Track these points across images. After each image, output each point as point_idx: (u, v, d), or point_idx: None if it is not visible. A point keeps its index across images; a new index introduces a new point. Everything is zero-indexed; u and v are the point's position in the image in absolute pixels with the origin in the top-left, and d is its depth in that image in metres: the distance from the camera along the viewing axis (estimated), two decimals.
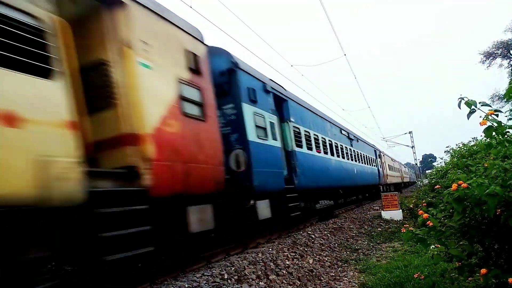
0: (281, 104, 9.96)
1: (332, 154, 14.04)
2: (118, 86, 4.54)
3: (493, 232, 3.06)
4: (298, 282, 5.57)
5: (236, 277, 5.05)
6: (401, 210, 13.00)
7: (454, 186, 2.88)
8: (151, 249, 4.30)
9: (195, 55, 5.91)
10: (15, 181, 3.02)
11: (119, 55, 4.55)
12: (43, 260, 3.47)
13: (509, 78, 35.64)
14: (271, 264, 5.94)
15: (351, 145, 18.13)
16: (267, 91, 8.89)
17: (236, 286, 4.79)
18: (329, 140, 13.96)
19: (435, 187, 7.54)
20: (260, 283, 5.09)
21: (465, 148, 9.25)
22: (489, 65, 38.47)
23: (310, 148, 11.28)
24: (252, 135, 7.55)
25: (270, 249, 6.86)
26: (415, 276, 4.43)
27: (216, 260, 6.40)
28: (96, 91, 4.63)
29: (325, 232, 9.66)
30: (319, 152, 12.21)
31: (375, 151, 26.87)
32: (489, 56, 38.09)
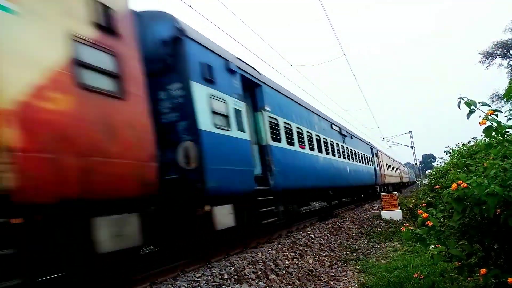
0: (253, 89, 8.43)
1: (320, 151, 12.39)
2: None
3: (493, 232, 3.06)
4: (297, 282, 5.57)
5: (235, 277, 5.05)
6: (400, 210, 13.01)
7: (453, 186, 2.88)
8: (16, 282, 3.16)
9: (107, 8, 4.40)
10: None
11: None
12: None
13: (509, 78, 35.67)
14: (271, 264, 5.94)
15: (344, 142, 16.50)
16: (231, 71, 7.22)
17: (236, 286, 4.79)
18: (316, 135, 12.28)
19: (435, 187, 7.54)
20: (260, 283, 5.09)
21: (464, 148, 9.26)
22: (489, 65, 38.55)
23: (291, 143, 9.75)
24: (205, 123, 5.99)
25: (270, 249, 6.86)
26: (415, 275, 4.43)
27: (216, 260, 6.40)
28: None
29: (325, 232, 9.66)
30: (303, 148, 10.61)
31: (371, 149, 25.10)
32: (489, 56, 38.15)
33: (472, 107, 2.77)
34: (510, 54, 37.60)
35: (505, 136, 2.83)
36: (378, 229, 11.21)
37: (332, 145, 14.19)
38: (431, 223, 3.20)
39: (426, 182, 18.41)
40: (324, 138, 13.24)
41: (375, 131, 53.74)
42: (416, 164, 55.65)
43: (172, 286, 4.62)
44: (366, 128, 39.05)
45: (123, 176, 4.31)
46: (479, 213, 2.89)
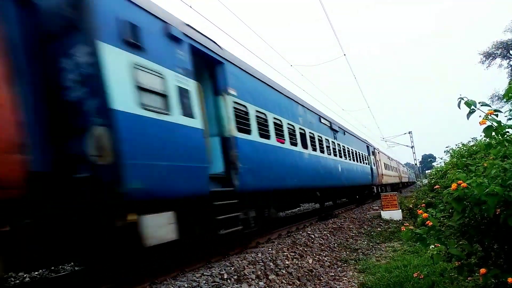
0: (213, 67, 6.85)
1: (305, 147, 10.74)
2: None
3: (493, 232, 3.06)
4: (297, 282, 5.57)
5: (235, 277, 5.06)
6: (400, 210, 13.02)
7: (453, 186, 2.88)
8: None
9: None
10: None
11: None
12: None
13: (509, 78, 35.72)
14: (271, 264, 5.94)
15: (335, 138, 14.90)
16: (174, 38, 5.60)
17: (236, 286, 4.79)
18: (300, 129, 10.65)
19: (435, 187, 7.56)
20: (260, 283, 5.09)
21: (464, 148, 9.27)
22: (489, 65, 38.64)
23: (266, 136, 8.12)
24: (124, 102, 4.42)
25: (270, 249, 6.86)
26: (415, 275, 4.43)
27: (216, 260, 6.40)
28: None
29: (325, 232, 9.66)
30: (283, 143, 9.10)
31: (367, 146, 23.28)
32: (489, 56, 38.22)
33: (472, 107, 2.77)
34: (510, 54, 37.64)
35: (505, 136, 2.83)
36: (378, 229, 11.21)
37: (320, 140, 12.56)
38: (431, 223, 3.20)
39: (426, 182, 18.42)
40: (310, 133, 11.54)
41: (375, 131, 53.95)
42: (416, 164, 55.66)
43: (172, 286, 4.62)
44: (366, 128, 39.13)
45: None
46: (479, 213, 2.89)
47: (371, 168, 22.63)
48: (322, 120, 13.67)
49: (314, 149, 11.64)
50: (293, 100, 10.83)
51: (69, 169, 4.21)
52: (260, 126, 7.97)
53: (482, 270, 2.91)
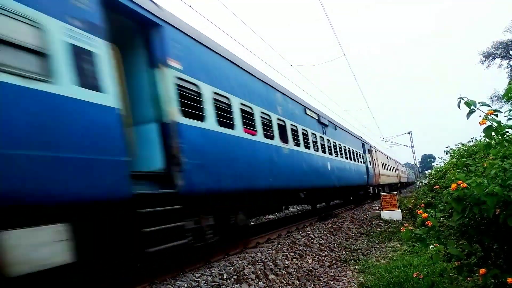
0: (147, 32, 5.35)
1: (285, 141, 9.27)
2: None
3: (492, 232, 3.07)
4: (297, 282, 5.57)
5: (235, 277, 5.06)
6: (400, 210, 13.02)
7: (453, 186, 2.89)
8: None
9: None
10: None
11: None
12: None
13: (508, 78, 35.76)
14: (271, 264, 5.94)
15: (324, 132, 13.36)
16: None
17: (235, 286, 4.79)
18: (279, 120, 9.18)
19: (434, 187, 7.56)
20: (260, 283, 5.09)
21: (464, 148, 9.27)
22: (489, 65, 38.71)
23: (228, 125, 6.60)
24: None
25: (270, 249, 6.86)
26: (414, 275, 4.43)
27: (216, 260, 6.41)
28: None
29: (325, 232, 9.66)
30: (254, 135, 7.59)
31: (363, 144, 21.78)
32: (489, 56, 38.29)
33: (472, 107, 2.77)
34: (510, 54, 37.69)
35: (505, 136, 2.83)
36: (378, 229, 11.22)
37: (305, 134, 10.99)
38: (430, 223, 3.20)
39: (426, 182, 18.42)
40: (292, 125, 10.05)
41: (375, 131, 53.96)
42: (415, 164, 55.70)
43: (172, 286, 4.62)
44: (366, 128, 39.15)
45: None
46: (479, 213, 2.89)
47: (367, 167, 21.11)
48: (308, 112, 11.96)
49: (297, 144, 10.08)
50: (270, 86, 9.17)
51: None
52: (219, 112, 6.35)
53: (482, 270, 2.91)
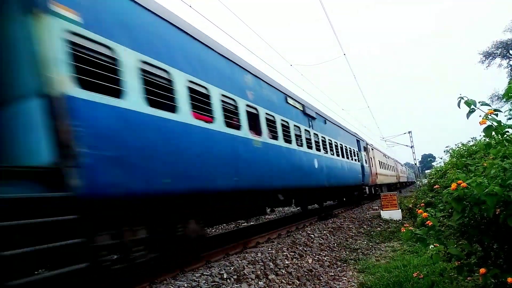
0: None
1: (258, 133, 7.80)
2: None
3: (492, 232, 3.06)
4: (297, 281, 5.57)
5: (235, 277, 5.06)
6: (400, 210, 13.03)
7: (453, 185, 2.88)
8: None
9: None
10: None
11: None
12: None
13: (508, 78, 35.78)
14: (270, 263, 5.94)
15: (310, 126, 11.73)
16: None
17: (235, 285, 4.79)
18: (249, 107, 7.60)
19: (434, 187, 7.56)
20: (259, 282, 5.09)
21: (464, 148, 9.27)
22: (488, 65, 38.73)
23: (163, 106, 5.07)
24: None
25: (270, 249, 6.86)
26: (414, 275, 4.43)
27: (216, 260, 6.41)
28: None
29: (325, 231, 9.66)
30: (209, 122, 6.04)
31: (357, 141, 20.13)
32: (489, 56, 38.32)
33: (472, 106, 2.77)
34: (509, 54, 37.70)
35: (505, 136, 2.83)
36: (378, 229, 11.22)
37: (286, 126, 9.48)
38: (430, 223, 3.20)
39: (426, 182, 18.42)
40: (269, 114, 8.53)
41: (375, 131, 53.96)
42: (415, 164, 55.72)
43: (172, 285, 4.62)
44: (366, 128, 39.13)
45: None
46: (479, 213, 2.89)
47: (362, 166, 19.56)
48: (291, 101, 10.36)
49: (274, 137, 8.62)
50: (237, 65, 7.48)
51: None
52: (150, 88, 4.84)
53: (482, 270, 2.91)
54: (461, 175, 3.07)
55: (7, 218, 2.89)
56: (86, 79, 3.93)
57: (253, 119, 7.80)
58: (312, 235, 8.82)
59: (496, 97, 36.59)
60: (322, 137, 12.84)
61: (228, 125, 6.64)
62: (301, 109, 11.23)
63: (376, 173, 24.16)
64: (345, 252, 8.16)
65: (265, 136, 8.09)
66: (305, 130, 11.09)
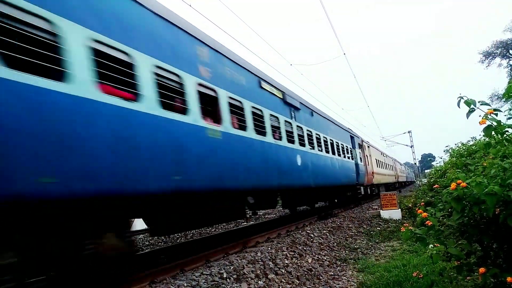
0: None
1: (215, 120, 6.35)
2: None
3: (492, 231, 3.06)
4: (297, 281, 5.58)
5: (235, 276, 5.06)
6: (400, 209, 13.04)
7: (453, 185, 2.88)
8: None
9: None
10: None
11: None
12: None
13: (508, 78, 35.81)
14: (270, 263, 5.94)
15: (293, 117, 10.28)
16: None
17: (235, 285, 4.79)
18: (202, 86, 6.08)
19: (434, 186, 7.56)
20: (259, 282, 5.09)
21: (464, 148, 9.27)
22: (488, 65, 38.78)
23: (51, 74, 3.62)
24: None
25: (269, 248, 6.86)
26: (414, 275, 4.44)
27: (215, 259, 6.41)
28: None
29: (324, 231, 9.66)
30: (131, 99, 4.60)
31: (352, 137, 18.64)
32: (489, 55, 38.37)
33: (472, 106, 2.77)
34: (509, 53, 37.73)
35: (505, 135, 2.83)
36: (377, 228, 11.23)
37: (258, 115, 8.05)
38: (430, 223, 3.20)
39: (425, 181, 18.42)
40: (233, 99, 6.99)
41: (375, 131, 53.99)
42: (415, 163, 55.76)
43: (172, 285, 4.62)
44: (366, 127, 39.14)
45: None
46: (478, 213, 2.89)
47: (357, 164, 18.22)
48: (266, 86, 8.78)
49: (243, 128, 7.17)
50: (184, 31, 5.94)
51: None
52: (20, 43, 3.38)
53: (481, 270, 2.91)
54: (461, 175, 3.06)
55: None
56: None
57: (209, 103, 6.31)
58: (311, 235, 8.83)
59: (496, 97, 36.67)
60: (308, 130, 11.45)
61: (167, 107, 5.10)
62: (281, 97, 9.76)
63: (373, 172, 22.98)
64: (345, 252, 8.16)
65: (228, 126, 6.57)
66: (286, 121, 9.71)
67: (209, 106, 6.34)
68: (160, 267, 5.52)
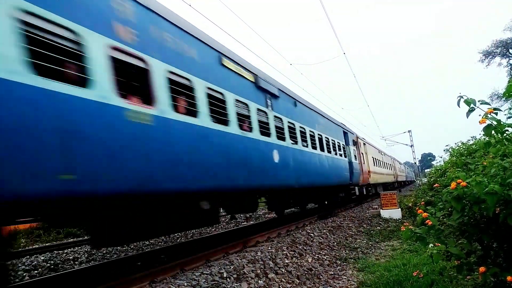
0: None
1: (144, 99, 4.76)
2: None
3: (492, 231, 3.06)
4: (297, 280, 5.58)
5: (235, 276, 5.06)
6: (400, 209, 13.05)
7: (453, 184, 2.88)
8: None
9: None
10: None
11: None
12: None
13: (508, 77, 35.81)
14: (270, 262, 5.94)
15: (269, 105, 8.66)
16: None
17: (235, 284, 4.79)
18: (119, 51, 4.38)
19: (434, 186, 7.56)
20: (259, 281, 5.09)
21: (464, 147, 9.28)
22: (488, 64, 38.78)
23: None
24: None
25: (269, 248, 6.86)
26: (414, 274, 4.44)
27: (215, 259, 6.41)
28: None
29: (324, 230, 9.66)
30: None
31: (345, 133, 17.00)
32: (489, 55, 38.38)
33: (472, 105, 2.77)
34: (509, 53, 37.71)
35: (505, 134, 2.83)
36: (377, 228, 11.23)
37: (219, 100, 6.54)
38: (430, 222, 3.20)
39: (425, 181, 18.42)
40: (175, 75, 5.39)
41: (375, 130, 53.96)
42: (415, 163, 55.77)
43: (172, 284, 4.62)
44: (366, 127, 39.15)
45: None
46: (478, 212, 2.89)
47: (350, 162, 16.66)
48: (229, 65, 7.13)
49: (191, 113, 5.64)
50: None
51: None
52: None
53: (481, 269, 2.91)
54: (461, 174, 3.06)
55: None
56: None
57: (134, 77, 4.92)
58: (312, 234, 8.83)
59: (496, 96, 36.69)
60: (289, 123, 9.84)
61: (47, 74, 3.50)
62: (253, 80, 8.07)
63: (369, 171, 21.38)
64: (345, 251, 8.16)
65: (165, 109, 5.00)
66: (259, 110, 8.11)
67: (134, 81, 4.91)
68: (160, 267, 5.52)
